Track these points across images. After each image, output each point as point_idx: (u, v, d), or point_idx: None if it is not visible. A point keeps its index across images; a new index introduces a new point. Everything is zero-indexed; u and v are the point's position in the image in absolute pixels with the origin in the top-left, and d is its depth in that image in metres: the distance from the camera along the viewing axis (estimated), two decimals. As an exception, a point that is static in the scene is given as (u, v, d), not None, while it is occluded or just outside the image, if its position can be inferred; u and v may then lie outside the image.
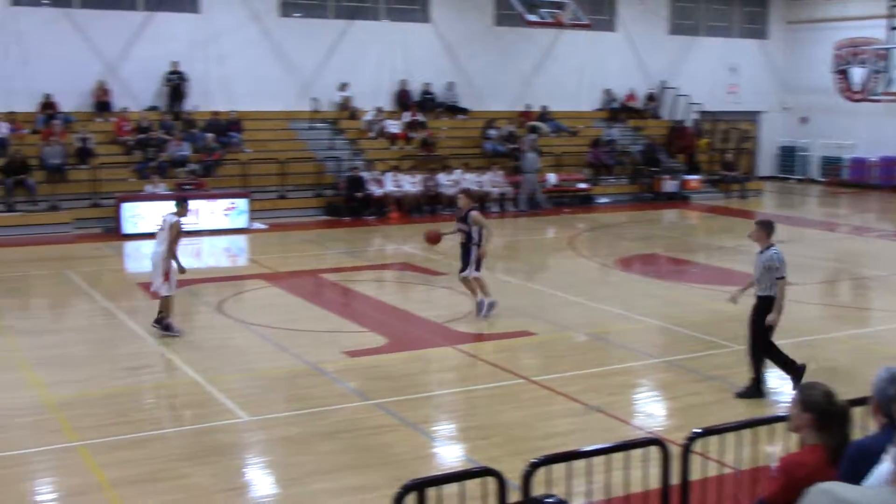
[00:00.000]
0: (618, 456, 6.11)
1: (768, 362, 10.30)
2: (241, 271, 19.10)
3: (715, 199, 30.42)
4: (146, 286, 16.36)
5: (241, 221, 23.63)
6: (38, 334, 13.08)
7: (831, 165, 35.47)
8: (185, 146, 25.68)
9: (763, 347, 10.19)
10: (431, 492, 5.16)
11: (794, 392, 9.84)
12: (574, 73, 32.75)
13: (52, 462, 8.63)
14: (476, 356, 12.03)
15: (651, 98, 34.33)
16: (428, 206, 26.64)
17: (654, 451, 6.08)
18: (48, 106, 25.60)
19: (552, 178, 28.72)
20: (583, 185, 29.19)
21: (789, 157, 37.25)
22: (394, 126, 29.11)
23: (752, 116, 36.91)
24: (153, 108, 26.99)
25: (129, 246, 21.27)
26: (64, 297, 15.94)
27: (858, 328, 14.04)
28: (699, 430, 6.21)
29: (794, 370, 10.24)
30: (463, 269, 13.83)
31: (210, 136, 26.27)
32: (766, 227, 10.20)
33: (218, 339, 12.89)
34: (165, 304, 12.80)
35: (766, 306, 10.06)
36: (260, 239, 22.51)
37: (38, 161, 23.82)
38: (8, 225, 21.93)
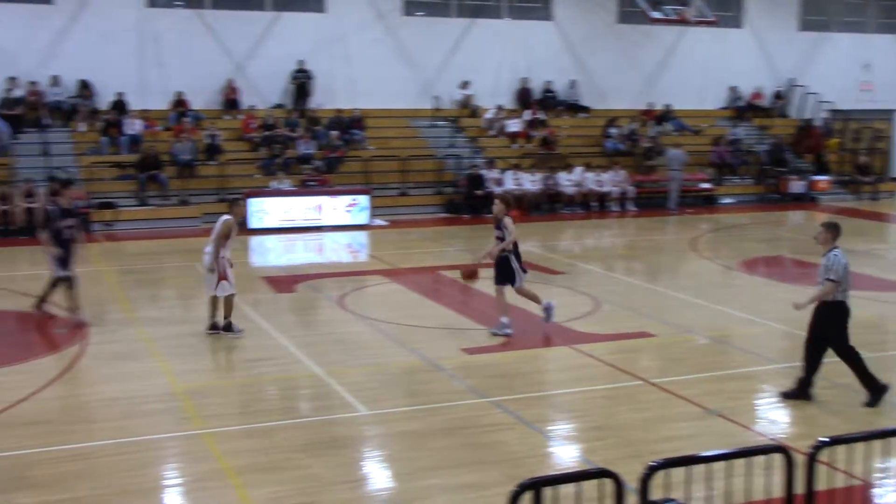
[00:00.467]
0: (739, 462, 5.98)
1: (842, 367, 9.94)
2: (362, 267, 19.39)
3: (845, 201, 29.49)
4: (270, 280, 16.80)
5: (363, 218, 23.97)
6: (168, 324, 13.53)
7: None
8: (310, 143, 26.20)
9: (844, 354, 9.91)
10: (547, 491, 5.14)
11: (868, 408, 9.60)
12: (698, 70, 32.16)
13: (179, 448, 8.93)
14: (594, 356, 11.94)
15: (778, 96, 33.47)
16: (547, 204, 26.56)
17: (777, 458, 5.93)
18: (180, 104, 26.46)
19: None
20: (706, 185, 28.66)
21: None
22: (514, 124, 29.10)
23: (886, 115, 35.57)
24: (279, 106, 27.61)
25: (254, 241, 21.80)
26: (192, 288, 16.43)
27: None
28: (826, 439, 6.00)
29: (875, 387, 9.89)
30: (512, 282, 12.87)
31: (334, 133, 26.74)
32: (833, 229, 10.07)
33: (338, 334, 13.10)
34: (228, 305, 12.79)
35: (831, 311, 9.79)
36: (380, 235, 22.80)
37: (169, 157, 24.66)
38: (141, 218, 22.75)
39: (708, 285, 16.80)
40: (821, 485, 6.14)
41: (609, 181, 27.12)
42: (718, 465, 5.92)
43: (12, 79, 25.09)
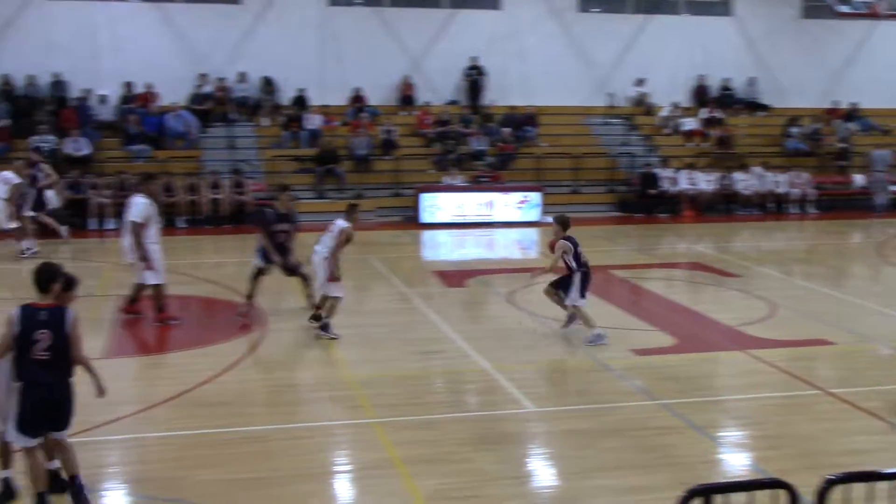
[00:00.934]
0: (925, 480, 5.67)
1: None
2: (532, 264, 19.37)
3: None
4: (441, 274, 17.01)
5: (534, 215, 23.97)
6: (342, 315, 13.85)
7: None
8: (482, 140, 26.37)
9: None
10: (718, 499, 5.01)
11: None
12: (890, 67, 30.60)
13: (349, 436, 9.16)
14: (768, 362, 11.55)
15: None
16: (723, 205, 25.89)
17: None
18: (357, 100, 27.13)
19: (859, 179, 27.10)
20: (895, 188, 27.28)
21: None
22: (690, 122, 28.49)
23: None
24: (453, 103, 27.92)
25: (427, 235, 22.12)
26: (366, 280, 16.82)
27: None
28: None
29: None
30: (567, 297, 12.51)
31: (506, 130, 26.83)
32: None
33: (507, 330, 13.14)
34: (332, 306, 12.56)
35: None
36: (551, 233, 22.69)
37: (346, 151, 25.30)
38: (318, 211, 23.38)
39: (894, 293, 16.00)
40: None
41: (788, 182, 26.19)
42: (903, 483, 5.63)
43: (202, 75, 26.29)
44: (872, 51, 30.68)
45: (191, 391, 10.21)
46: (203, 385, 10.44)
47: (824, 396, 10.25)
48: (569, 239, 12.63)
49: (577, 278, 12.41)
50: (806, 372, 11.20)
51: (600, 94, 28.84)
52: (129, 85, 25.74)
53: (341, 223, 12.48)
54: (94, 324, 12.91)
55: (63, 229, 19.95)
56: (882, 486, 5.55)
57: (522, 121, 27.37)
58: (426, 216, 23.33)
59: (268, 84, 26.89)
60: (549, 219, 23.70)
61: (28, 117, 24.75)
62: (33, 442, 7.08)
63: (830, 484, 5.14)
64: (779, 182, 26.12)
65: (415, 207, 23.65)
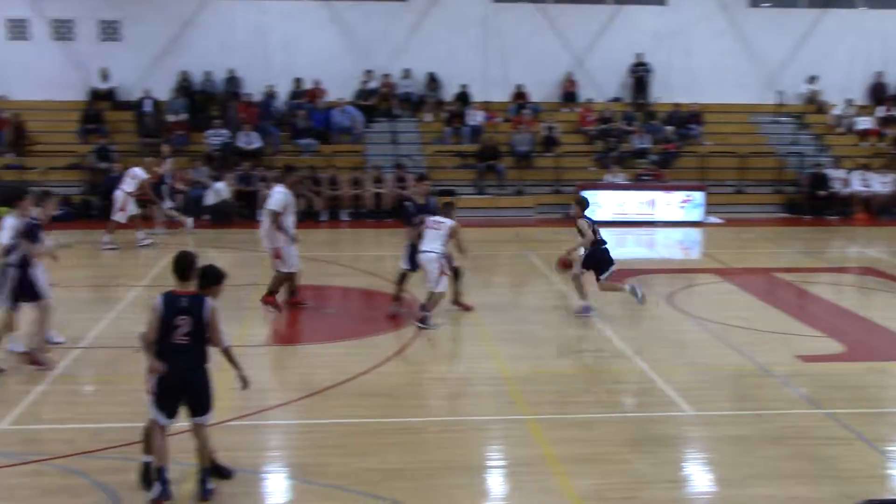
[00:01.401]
0: None
1: None
2: (694, 264, 18.99)
3: None
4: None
5: (697, 214, 23.45)
6: (499, 311, 13.92)
7: None
8: (645, 137, 25.98)
9: None
10: (886, 515, 4.80)
11: None
12: None
13: (504, 431, 9.17)
14: (946, 375, 10.96)
15: None
16: (899, 207, 24.72)
17: None
18: (520, 96, 27.16)
19: None
20: None
21: None
22: (865, 121, 27.31)
23: None
24: (616, 100, 27.61)
25: (586, 233, 21.93)
26: (523, 277, 16.80)
27: None
28: None
29: None
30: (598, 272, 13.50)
31: (670, 128, 26.36)
32: None
33: (666, 331, 12.91)
34: (435, 301, 12.74)
35: None
36: (714, 233, 22.21)
37: (507, 148, 25.35)
38: (478, 207, 23.57)
39: None
40: None
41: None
42: None
43: (368, 72, 26.84)
44: None
45: (350, 381, 10.43)
46: (362, 375, 10.65)
47: None
48: (587, 218, 13.61)
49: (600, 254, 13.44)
50: None
51: (769, 92, 27.95)
52: (297, 81, 26.50)
53: (449, 221, 12.82)
54: (256, 312, 13.38)
55: (188, 221, 20.72)
56: None
57: (687, 118, 26.82)
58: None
59: (432, 80, 27.22)
60: (713, 219, 23.26)
61: (204, 112, 25.83)
62: (167, 422, 7.39)
63: None
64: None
65: (575, 205, 23.49)
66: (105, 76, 26.35)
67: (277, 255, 13.31)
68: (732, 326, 12.98)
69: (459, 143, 25.89)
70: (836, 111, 27.85)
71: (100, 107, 25.92)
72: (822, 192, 24.40)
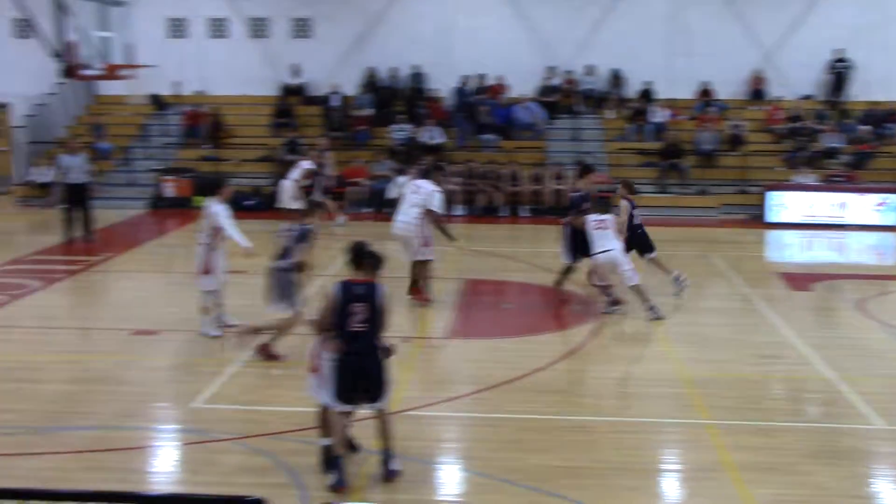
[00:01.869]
0: None
1: None
2: (889, 271, 18.10)
3: None
4: (786, 276, 16.31)
5: (893, 218, 22.29)
6: (678, 311, 13.65)
7: None
8: (837, 137, 24.90)
9: None
10: None
11: None
12: None
13: (681, 435, 9.00)
14: None
15: None
16: None
17: None
18: (705, 93, 26.52)
19: None
20: None
21: None
22: None
23: None
24: (807, 97, 26.56)
25: (772, 235, 21.26)
26: (705, 278, 16.42)
27: None
28: None
29: None
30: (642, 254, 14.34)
31: (865, 127, 25.17)
32: None
33: (855, 339, 12.37)
34: (639, 292, 13.06)
35: None
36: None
37: (691, 146, 24.82)
38: (659, 205, 23.17)
39: None
40: None
41: None
42: None
43: (551, 68, 26.78)
44: None
45: (526, 376, 10.47)
46: (537, 371, 10.67)
47: None
48: (630, 202, 14.04)
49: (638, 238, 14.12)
50: None
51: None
52: (481, 77, 26.73)
53: (608, 217, 13.24)
54: (436, 305, 13.59)
55: (341, 217, 21.10)
56: None
57: (884, 117, 25.52)
58: (773, 215, 22.39)
59: (615, 77, 26.93)
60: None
61: (388, 107, 26.41)
62: (346, 408, 7.62)
63: None
64: None
65: (761, 206, 22.75)
66: (296, 72, 27.31)
67: (427, 243, 13.54)
68: (929, 337, 12.31)
69: (642, 141, 25.52)
70: None
71: (290, 101, 26.90)
72: None
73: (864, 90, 26.12)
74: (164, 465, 8.45)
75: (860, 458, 8.51)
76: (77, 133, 25.68)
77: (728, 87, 26.75)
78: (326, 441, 7.80)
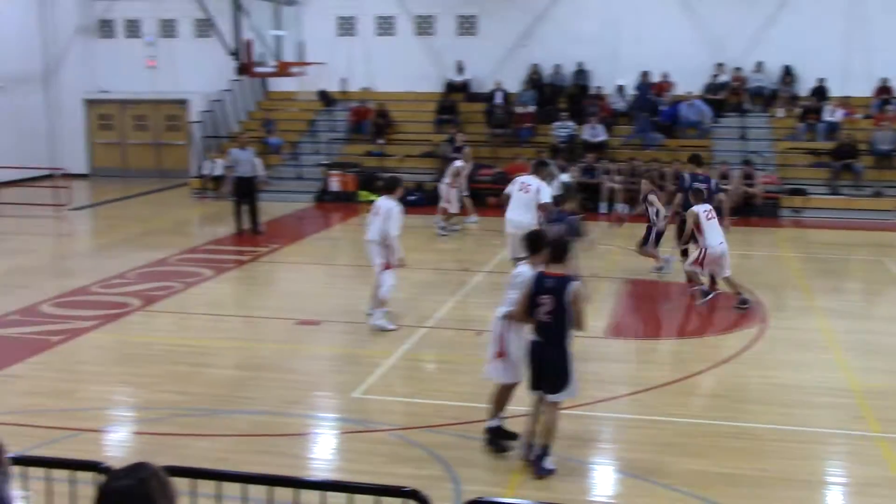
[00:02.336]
0: None
1: None
2: None
3: None
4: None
5: None
6: (849, 318, 13.11)
7: None
8: None
9: None
10: None
11: None
12: None
13: (848, 447, 8.63)
14: None
15: None
16: None
17: None
18: (884, 91, 25.30)
19: None
20: None
21: None
22: None
23: None
24: None
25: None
26: (878, 284, 15.72)
27: None
28: None
29: None
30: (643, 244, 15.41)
31: None
32: None
33: None
34: (732, 284, 13.23)
35: None
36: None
37: (867, 146, 23.76)
38: (831, 207, 22.30)
39: None
40: None
41: None
42: None
43: (719, 65, 26.11)
44: None
45: (685, 379, 10.26)
46: (698, 375, 10.45)
47: None
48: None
49: (652, 231, 15.30)
50: None
51: None
52: (645, 74, 26.31)
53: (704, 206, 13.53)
54: (595, 304, 13.45)
55: (473, 215, 20.89)
56: None
57: None
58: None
59: (787, 74, 26.02)
60: None
61: (551, 104, 26.31)
62: (531, 393, 7.88)
63: None
64: None
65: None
66: (460, 69, 27.53)
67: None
68: None
69: (813, 140, 24.56)
70: None
71: (454, 98, 27.14)
72: None
73: None
74: (324, 452, 8.68)
75: None
76: (249, 128, 26.67)
77: (910, 85, 25.49)
78: (495, 422, 8.08)
